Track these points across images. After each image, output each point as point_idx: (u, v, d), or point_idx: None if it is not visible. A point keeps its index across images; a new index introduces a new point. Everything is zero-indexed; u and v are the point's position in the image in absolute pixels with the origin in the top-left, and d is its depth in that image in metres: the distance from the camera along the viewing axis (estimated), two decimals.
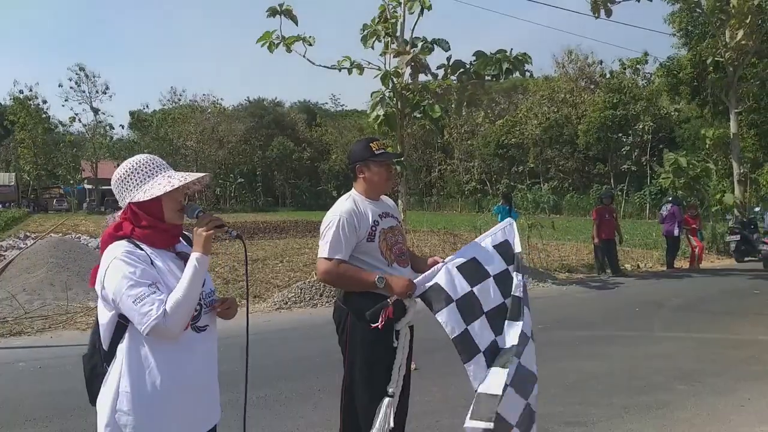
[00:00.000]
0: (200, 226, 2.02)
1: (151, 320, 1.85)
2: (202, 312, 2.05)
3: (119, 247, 1.96)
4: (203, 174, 2.11)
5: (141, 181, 2.03)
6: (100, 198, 53.99)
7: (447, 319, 2.73)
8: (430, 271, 2.88)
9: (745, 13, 14.71)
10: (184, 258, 2.05)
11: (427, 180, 52.66)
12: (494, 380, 2.65)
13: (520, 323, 2.73)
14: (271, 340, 7.00)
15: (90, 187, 56.08)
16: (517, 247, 2.94)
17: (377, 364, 2.89)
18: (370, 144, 3.01)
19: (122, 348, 1.97)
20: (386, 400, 2.84)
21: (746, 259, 13.98)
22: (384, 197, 3.19)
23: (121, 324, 1.96)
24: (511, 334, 2.73)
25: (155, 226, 2.03)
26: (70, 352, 6.38)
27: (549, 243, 15.11)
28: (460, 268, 2.83)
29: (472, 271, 2.83)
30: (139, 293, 1.87)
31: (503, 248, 2.92)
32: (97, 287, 1.98)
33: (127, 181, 2.05)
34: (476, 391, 2.71)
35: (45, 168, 53.37)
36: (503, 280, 2.83)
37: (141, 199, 2.01)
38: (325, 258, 2.88)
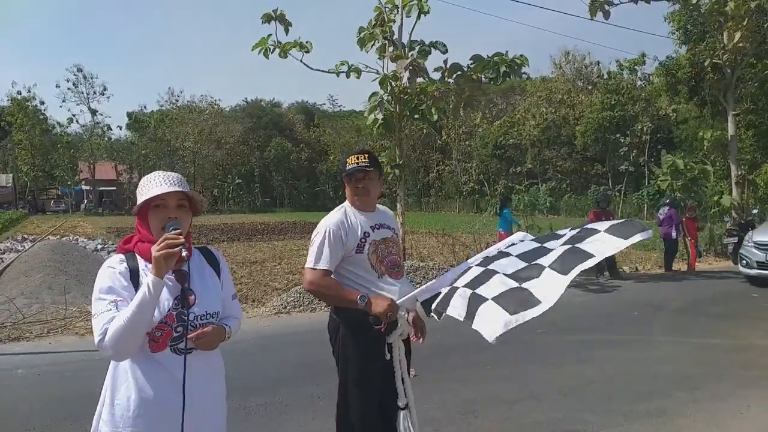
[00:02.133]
0: (154, 246, 1.89)
1: (96, 336, 1.87)
2: (186, 334, 1.97)
3: (109, 261, 2.03)
4: (171, 189, 1.97)
5: (141, 196, 2.05)
6: (97, 199, 53.92)
7: (452, 304, 2.45)
8: (425, 287, 2.73)
9: (742, 15, 14.73)
10: (181, 276, 1.98)
11: (425, 181, 52.69)
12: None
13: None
14: (271, 345, 6.99)
15: (87, 188, 55.98)
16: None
17: (369, 375, 2.90)
18: (348, 158, 3.00)
19: (112, 363, 2.02)
20: (401, 413, 2.85)
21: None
22: (382, 207, 3.18)
23: None
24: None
25: (149, 240, 2.02)
26: (68, 358, 6.37)
27: None
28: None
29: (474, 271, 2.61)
30: (98, 308, 1.89)
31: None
32: None
33: (138, 194, 2.08)
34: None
35: (42, 169, 53.38)
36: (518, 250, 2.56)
37: (134, 213, 2.07)
38: (311, 268, 2.90)
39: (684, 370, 5.71)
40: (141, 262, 1.99)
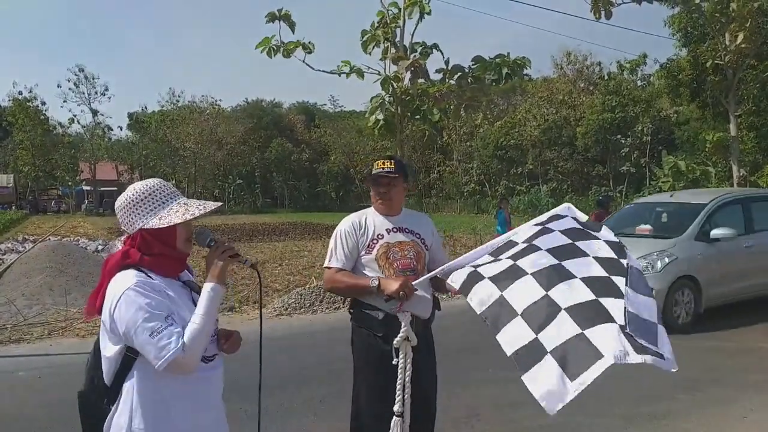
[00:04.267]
0: (215, 256, 1.96)
1: (169, 354, 1.77)
2: (210, 342, 2.00)
3: (130, 277, 1.86)
4: (220, 204, 2.11)
5: (156, 207, 1.93)
6: (98, 199, 53.95)
7: (479, 294, 2.36)
8: (440, 268, 2.73)
9: (745, 16, 14.71)
10: (191, 287, 2.01)
11: (426, 181, 52.63)
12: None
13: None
14: (272, 348, 6.94)
15: (88, 188, 56.04)
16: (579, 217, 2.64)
17: (377, 377, 2.93)
18: (375, 163, 3.11)
19: (131, 383, 1.88)
20: (394, 419, 2.83)
21: None
22: (413, 213, 3.28)
23: (129, 357, 1.86)
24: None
25: (165, 254, 1.95)
26: (69, 360, 6.35)
27: None
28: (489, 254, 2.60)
29: (503, 247, 2.59)
30: (155, 326, 1.78)
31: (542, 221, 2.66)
32: (105, 319, 1.87)
33: (140, 206, 1.94)
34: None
35: (43, 169, 53.38)
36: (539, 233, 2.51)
37: (156, 226, 1.91)
38: (326, 267, 3.06)
39: (686, 373, 5.67)
40: (154, 276, 1.91)
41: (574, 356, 2.03)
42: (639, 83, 40.69)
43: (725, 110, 17.68)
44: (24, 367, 6.14)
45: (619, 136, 37.23)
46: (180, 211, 1.92)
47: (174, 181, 50.48)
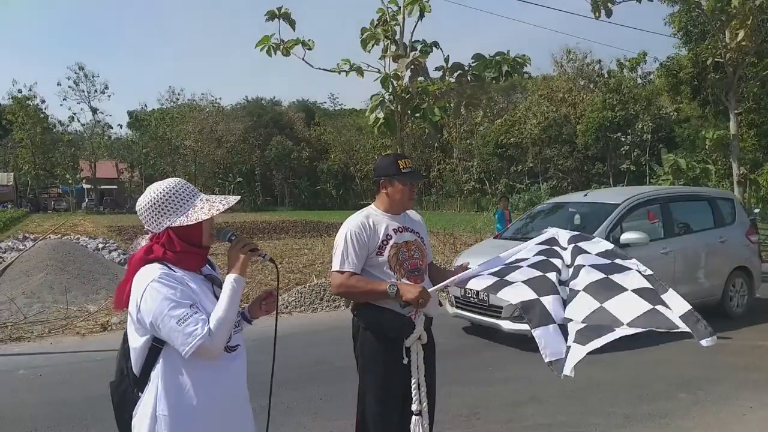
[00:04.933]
0: (236, 249, 2.06)
1: (196, 340, 1.86)
2: (232, 332, 2.07)
3: (155, 270, 1.95)
4: (239, 198, 2.20)
5: (181, 205, 2.02)
6: (98, 197, 53.98)
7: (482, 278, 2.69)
8: (458, 276, 2.87)
9: (746, 13, 14.68)
10: (212, 280, 2.10)
11: (426, 179, 52.66)
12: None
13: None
14: (271, 346, 6.96)
15: (88, 186, 56.06)
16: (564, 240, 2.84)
17: (386, 378, 2.91)
18: (398, 161, 3.04)
19: (157, 372, 1.96)
20: (414, 419, 2.84)
21: None
22: (410, 211, 3.22)
23: (155, 347, 1.95)
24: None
25: (188, 250, 2.03)
26: (70, 359, 6.37)
27: None
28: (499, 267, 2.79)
29: (511, 263, 2.79)
30: (182, 314, 1.87)
31: (548, 242, 2.86)
32: (132, 311, 1.95)
33: (166, 206, 2.01)
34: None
35: (43, 167, 53.43)
36: (546, 251, 2.76)
37: (184, 224, 2.00)
38: (337, 271, 2.95)
39: (687, 372, 5.70)
40: (177, 270, 1.99)
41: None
42: (639, 81, 40.65)
43: (725, 108, 17.66)
44: (24, 365, 6.14)
45: (619, 134, 37.24)
46: (205, 208, 2.02)
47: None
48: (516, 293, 2.53)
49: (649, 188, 9.06)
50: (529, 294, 2.50)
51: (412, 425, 2.84)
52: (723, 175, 19.73)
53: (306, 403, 4.93)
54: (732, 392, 5.08)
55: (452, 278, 2.88)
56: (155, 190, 2.03)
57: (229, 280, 2.01)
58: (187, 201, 2.03)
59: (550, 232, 2.93)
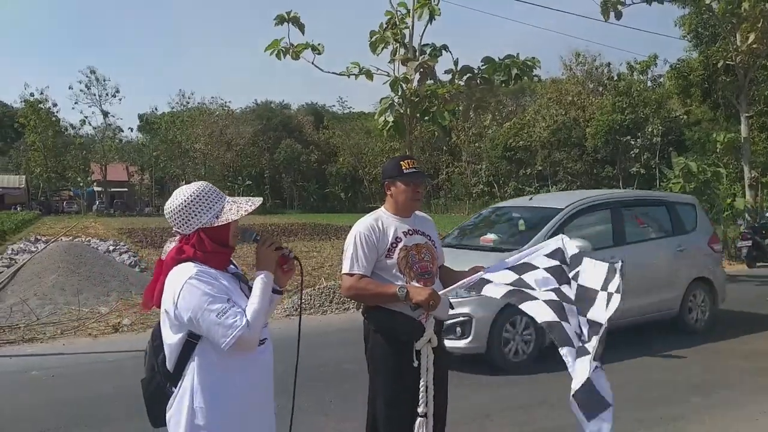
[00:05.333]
0: (264, 248, 2.15)
1: (237, 331, 1.94)
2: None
3: (190, 268, 2.03)
4: (261, 200, 2.29)
5: (210, 207, 2.10)
6: (109, 200, 54.33)
7: (495, 283, 2.67)
8: (468, 279, 2.83)
9: (757, 16, 14.61)
10: (239, 278, 2.18)
11: (434, 182, 52.64)
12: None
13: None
14: (282, 348, 6.96)
15: (99, 189, 56.45)
16: (572, 250, 2.83)
17: (396, 380, 2.90)
18: (401, 162, 3.03)
19: (192, 366, 2.03)
20: (418, 420, 2.84)
21: (758, 264, 13.84)
22: (420, 213, 3.20)
23: (190, 343, 2.03)
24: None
25: (217, 250, 2.12)
26: (82, 360, 6.42)
27: None
28: (510, 268, 2.77)
29: (521, 267, 2.77)
30: (221, 308, 1.96)
31: (555, 254, 2.84)
32: (168, 309, 2.02)
33: (196, 208, 2.08)
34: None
35: (55, 170, 53.83)
36: (556, 271, 2.75)
37: (214, 224, 2.09)
38: (347, 273, 2.95)
39: (699, 376, 5.66)
40: (208, 269, 2.08)
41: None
42: (649, 84, 40.44)
43: (736, 111, 17.57)
44: (37, 366, 6.19)
45: (628, 137, 37.04)
46: (233, 210, 2.11)
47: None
48: (540, 311, 2.56)
49: (600, 192, 8.35)
50: (551, 315, 2.56)
51: (416, 427, 2.84)
52: (734, 178, 19.61)
53: (316, 405, 4.93)
54: (745, 397, 5.04)
55: (462, 281, 2.85)
56: (185, 193, 2.11)
57: (260, 276, 2.11)
58: (216, 203, 2.11)
59: (557, 241, 2.89)
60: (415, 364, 2.85)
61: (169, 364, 2.07)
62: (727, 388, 5.28)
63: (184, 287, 1.98)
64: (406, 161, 3.03)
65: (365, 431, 3.06)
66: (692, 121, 34.99)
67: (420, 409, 2.83)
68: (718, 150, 19.29)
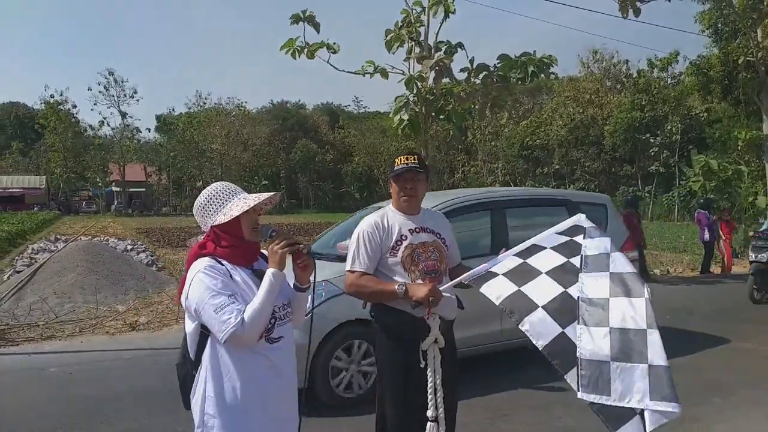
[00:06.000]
0: (275, 245, 2.18)
1: (230, 327, 2.01)
2: (276, 324, 2.20)
3: (202, 263, 2.15)
4: (273, 193, 2.27)
5: (220, 206, 2.21)
6: (127, 200, 54.90)
7: (495, 288, 2.52)
8: (479, 267, 2.76)
9: None
10: (260, 275, 2.21)
11: (450, 181, 52.41)
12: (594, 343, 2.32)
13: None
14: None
15: (117, 189, 57.05)
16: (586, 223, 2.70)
17: (403, 381, 2.86)
18: (396, 159, 3.01)
19: (206, 356, 2.15)
20: (429, 425, 2.78)
21: None
22: (433, 211, 3.17)
23: (204, 333, 2.14)
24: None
25: (235, 245, 2.21)
26: (100, 357, 6.48)
27: None
28: (516, 254, 2.69)
29: (529, 250, 2.66)
30: (219, 303, 2.04)
31: (568, 232, 2.71)
32: (183, 299, 2.15)
33: (208, 208, 2.23)
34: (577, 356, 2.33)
35: (74, 171, 54.48)
36: (565, 246, 2.60)
37: (221, 221, 2.19)
38: (348, 270, 2.94)
39: (720, 377, 5.56)
40: (227, 264, 2.17)
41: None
42: (669, 81, 39.85)
43: (758, 108, 17.25)
44: (55, 363, 6.25)
45: (647, 135, 36.56)
46: (239, 205, 2.19)
47: (201, 182, 51.08)
48: (541, 332, 2.36)
49: (479, 191, 6.96)
50: (553, 331, 2.36)
51: (425, 430, 2.78)
52: (756, 176, 19.28)
53: (325, 404, 4.92)
54: (765, 397, 4.95)
55: (465, 275, 2.76)
56: (202, 194, 2.27)
57: (268, 274, 2.14)
58: (226, 201, 2.22)
59: (574, 219, 2.78)
60: (422, 365, 2.80)
61: (191, 352, 2.19)
62: (748, 388, 5.18)
63: (194, 280, 2.10)
64: (401, 157, 2.98)
65: (375, 428, 3.03)
66: (713, 119, 34.46)
67: (429, 413, 2.77)
68: (739, 147, 18.99)
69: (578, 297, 2.39)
